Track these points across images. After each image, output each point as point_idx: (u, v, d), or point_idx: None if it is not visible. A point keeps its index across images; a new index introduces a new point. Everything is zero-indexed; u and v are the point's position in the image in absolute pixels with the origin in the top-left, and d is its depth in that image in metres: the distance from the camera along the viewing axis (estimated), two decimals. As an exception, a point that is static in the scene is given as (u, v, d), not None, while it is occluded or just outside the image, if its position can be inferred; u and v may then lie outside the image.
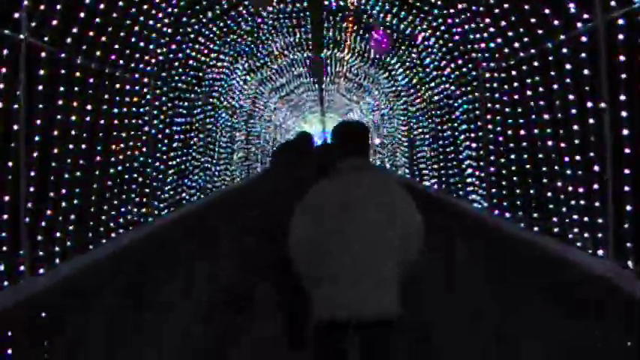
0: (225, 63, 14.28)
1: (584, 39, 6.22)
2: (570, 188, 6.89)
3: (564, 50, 6.66)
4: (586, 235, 6.52)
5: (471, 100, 10.23)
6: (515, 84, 8.13)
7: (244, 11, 11.96)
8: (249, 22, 13.31)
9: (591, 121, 6.15)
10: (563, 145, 6.95)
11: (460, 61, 10.37)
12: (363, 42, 16.41)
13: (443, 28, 10.78)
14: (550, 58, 6.93)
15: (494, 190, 9.27)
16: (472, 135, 10.39)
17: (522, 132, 8.16)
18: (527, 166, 8.09)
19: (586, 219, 6.51)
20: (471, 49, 9.36)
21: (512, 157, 8.45)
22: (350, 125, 3.13)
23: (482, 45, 8.82)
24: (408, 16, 12.76)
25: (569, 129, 6.69)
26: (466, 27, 9.32)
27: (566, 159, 6.80)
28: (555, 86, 6.86)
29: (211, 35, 12.06)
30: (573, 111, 6.57)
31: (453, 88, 11.33)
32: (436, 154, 13.41)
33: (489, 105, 9.03)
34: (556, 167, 7.10)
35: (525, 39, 7.54)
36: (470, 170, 10.99)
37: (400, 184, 2.93)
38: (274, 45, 16.33)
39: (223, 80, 14.66)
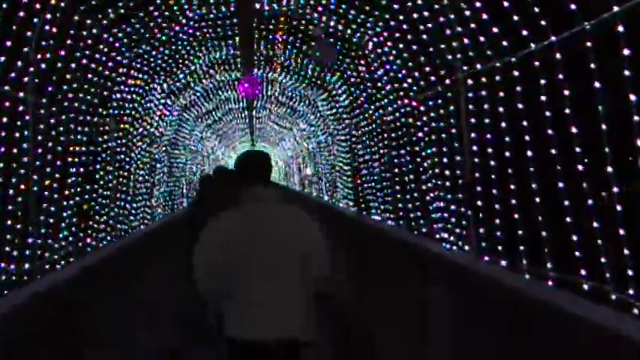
0: (139, 81, 12.01)
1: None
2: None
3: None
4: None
5: (443, 115, 8.31)
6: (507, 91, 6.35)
7: (158, 13, 9.83)
8: (165, 30, 11.15)
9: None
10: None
11: (428, 68, 8.46)
12: (299, 57, 14.46)
13: (404, 27, 8.87)
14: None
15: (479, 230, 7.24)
16: (444, 160, 8.44)
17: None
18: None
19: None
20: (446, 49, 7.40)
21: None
22: (251, 154, 3.55)
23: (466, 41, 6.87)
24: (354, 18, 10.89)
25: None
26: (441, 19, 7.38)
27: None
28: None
29: (116, 43, 9.84)
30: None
31: (414, 103, 9.40)
32: (390, 184, 11.44)
33: (472, 120, 7.09)
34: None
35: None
36: (438, 204, 9.07)
37: (305, 212, 3.30)
38: (198, 62, 14.19)
39: (137, 102, 12.35)
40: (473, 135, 7.13)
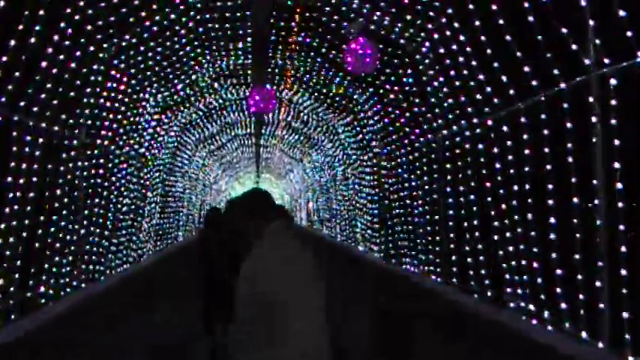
0: (123, 86, 9.49)
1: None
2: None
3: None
4: None
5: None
6: None
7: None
8: (160, 24, 8.71)
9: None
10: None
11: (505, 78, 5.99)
12: (322, 69, 11.99)
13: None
14: None
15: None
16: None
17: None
18: None
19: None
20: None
21: None
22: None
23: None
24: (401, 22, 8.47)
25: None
26: None
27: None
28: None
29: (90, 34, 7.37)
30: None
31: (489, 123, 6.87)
32: (441, 229, 8.86)
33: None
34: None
35: None
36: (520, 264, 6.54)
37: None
38: (200, 70, 11.72)
39: (120, 113, 9.81)
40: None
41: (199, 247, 9.37)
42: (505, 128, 6.65)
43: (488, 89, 6.77)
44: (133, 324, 8.16)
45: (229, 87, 13.48)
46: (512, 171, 6.70)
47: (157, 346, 7.40)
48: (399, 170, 11.11)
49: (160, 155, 14.18)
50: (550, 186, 6.03)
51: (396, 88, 9.75)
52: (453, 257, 8.47)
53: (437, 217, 9.04)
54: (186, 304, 10.96)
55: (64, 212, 7.97)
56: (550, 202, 6.01)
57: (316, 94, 13.64)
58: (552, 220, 5.99)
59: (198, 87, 12.45)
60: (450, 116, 8.08)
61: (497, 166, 6.91)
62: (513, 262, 6.86)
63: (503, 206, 6.90)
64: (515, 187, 6.63)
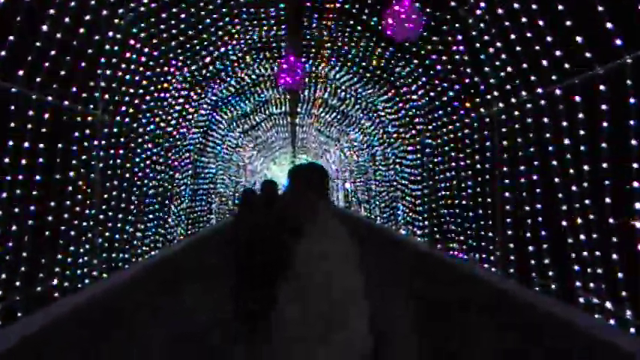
0: (144, 58, 8.68)
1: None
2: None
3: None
4: None
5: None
6: None
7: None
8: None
9: None
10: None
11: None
12: (360, 42, 11.03)
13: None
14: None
15: None
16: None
17: None
18: None
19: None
20: None
21: None
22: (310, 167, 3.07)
23: None
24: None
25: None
26: None
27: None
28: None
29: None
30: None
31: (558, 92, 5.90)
32: (495, 213, 7.90)
33: None
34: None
35: None
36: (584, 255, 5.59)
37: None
38: (231, 42, 10.84)
39: (143, 88, 8.99)
40: None
41: (230, 232, 8.75)
42: (578, 98, 5.67)
43: (558, 53, 5.78)
44: (157, 311, 7.48)
45: (262, 61, 12.61)
46: (583, 148, 5.72)
47: (180, 333, 6.75)
48: (446, 149, 10.15)
49: (189, 134, 13.42)
50: (635, 165, 5.06)
51: (444, 57, 8.76)
52: (511, 245, 7.52)
53: (490, 200, 8.09)
54: (214, 290, 10.32)
55: (79, 197, 7.23)
56: (635, 184, 5.05)
57: (355, 67, 12.69)
58: (638, 205, 5.03)
59: (229, 60, 11.57)
60: (508, 87, 7.10)
61: (567, 141, 5.94)
62: (585, 253, 5.92)
63: (574, 188, 5.95)
64: (587, 167, 5.67)
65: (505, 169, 7.44)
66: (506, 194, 7.40)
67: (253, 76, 14.26)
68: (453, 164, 9.81)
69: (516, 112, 7.05)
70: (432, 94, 9.98)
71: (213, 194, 18.62)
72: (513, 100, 7.02)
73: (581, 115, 5.54)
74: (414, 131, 12.22)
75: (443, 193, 10.57)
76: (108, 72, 7.43)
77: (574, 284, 6.26)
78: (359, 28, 10.28)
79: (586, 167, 5.52)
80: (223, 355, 5.84)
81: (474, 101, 8.15)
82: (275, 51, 12.40)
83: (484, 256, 8.51)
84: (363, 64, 12.18)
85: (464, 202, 9.37)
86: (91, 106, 7.24)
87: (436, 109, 10.03)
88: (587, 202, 5.83)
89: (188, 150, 13.67)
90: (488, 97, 7.72)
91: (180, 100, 11.35)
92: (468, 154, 8.90)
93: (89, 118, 7.20)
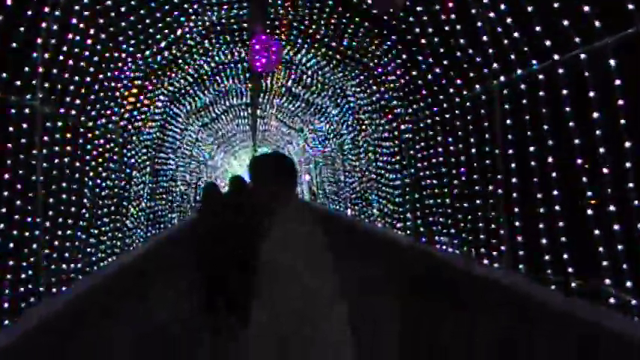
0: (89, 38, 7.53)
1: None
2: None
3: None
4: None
5: None
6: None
7: None
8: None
9: None
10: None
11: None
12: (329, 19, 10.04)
13: None
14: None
15: None
16: None
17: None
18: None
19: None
20: None
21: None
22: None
23: None
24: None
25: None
26: None
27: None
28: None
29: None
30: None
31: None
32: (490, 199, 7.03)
33: None
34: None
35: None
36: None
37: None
38: (187, 24, 9.74)
39: (90, 75, 7.84)
40: None
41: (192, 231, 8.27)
42: (612, 62, 4.76)
43: (586, 9, 4.85)
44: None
45: (221, 45, 11.53)
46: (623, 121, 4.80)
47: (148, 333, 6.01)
48: (430, 133, 9.25)
49: (144, 129, 12.27)
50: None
51: (430, 30, 7.82)
52: (519, 238, 6.65)
53: (491, 187, 7.21)
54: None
55: (18, 202, 6.13)
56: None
57: (323, 49, 11.70)
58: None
59: (186, 44, 10.46)
60: (513, 57, 6.19)
61: (596, 115, 5.04)
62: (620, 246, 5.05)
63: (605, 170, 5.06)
64: (628, 144, 4.79)
65: (511, 151, 6.54)
66: (514, 180, 6.51)
67: (212, 64, 13.20)
68: (440, 149, 8.93)
69: (522, 86, 6.16)
70: (414, 72, 9.04)
71: (174, 192, 17.47)
72: (519, 71, 6.12)
73: (618, 82, 4.64)
74: (390, 115, 11.29)
75: (428, 182, 9.68)
76: (46, 55, 6.31)
77: (602, 281, 5.43)
78: (330, 2, 9.30)
79: (627, 144, 4.62)
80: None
81: (468, 77, 7.24)
82: (236, 34, 11.37)
83: (482, 250, 7.66)
84: (333, 44, 11.20)
85: (455, 190, 8.50)
86: (28, 96, 6.13)
87: (418, 88, 9.10)
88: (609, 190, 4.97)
89: (146, 146, 12.54)
90: (486, 70, 6.81)
91: (134, 91, 10.22)
92: (460, 137, 8.01)
93: (26, 110, 6.09)
